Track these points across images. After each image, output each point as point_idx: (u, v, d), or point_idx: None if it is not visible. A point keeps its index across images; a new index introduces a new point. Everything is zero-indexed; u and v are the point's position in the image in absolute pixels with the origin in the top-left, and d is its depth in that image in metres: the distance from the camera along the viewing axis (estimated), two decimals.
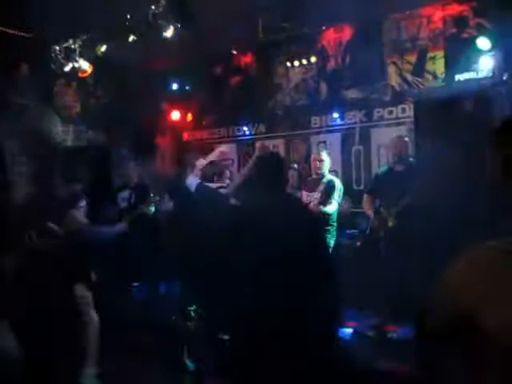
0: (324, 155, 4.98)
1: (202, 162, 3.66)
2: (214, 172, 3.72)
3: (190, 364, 3.95)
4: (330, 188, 4.70)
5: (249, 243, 2.42)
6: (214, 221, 3.16)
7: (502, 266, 1.07)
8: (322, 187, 4.70)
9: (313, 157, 5.09)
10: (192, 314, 3.87)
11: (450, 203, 3.72)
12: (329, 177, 4.87)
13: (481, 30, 5.16)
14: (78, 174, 4.90)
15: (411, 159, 4.66)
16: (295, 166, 5.83)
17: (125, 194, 5.43)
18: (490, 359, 1.07)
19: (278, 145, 6.76)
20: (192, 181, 3.62)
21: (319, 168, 4.83)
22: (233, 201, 3.73)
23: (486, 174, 1.24)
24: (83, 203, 3.82)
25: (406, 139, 4.73)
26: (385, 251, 4.45)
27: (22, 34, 4.62)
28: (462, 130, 4.00)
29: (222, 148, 4.39)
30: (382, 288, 4.31)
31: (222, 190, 3.60)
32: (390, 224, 4.35)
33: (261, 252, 2.33)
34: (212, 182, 3.66)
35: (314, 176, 4.91)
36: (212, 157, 3.86)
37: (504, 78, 4.68)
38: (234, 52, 6.69)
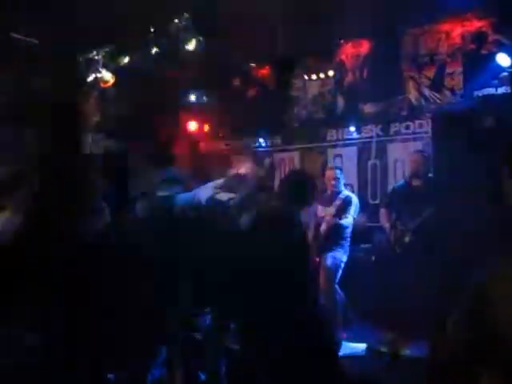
0: (338, 173, 4.93)
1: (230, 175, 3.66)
2: (238, 183, 3.69)
3: (201, 375, 3.93)
4: (346, 203, 4.68)
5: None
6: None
7: None
8: (338, 202, 4.69)
9: (327, 174, 5.03)
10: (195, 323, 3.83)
11: (469, 220, 3.69)
12: (345, 192, 4.86)
13: (500, 47, 5.15)
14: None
15: (429, 175, 4.63)
16: None
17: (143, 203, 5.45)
18: None
19: (293, 157, 6.78)
20: (202, 193, 3.57)
21: (334, 186, 4.80)
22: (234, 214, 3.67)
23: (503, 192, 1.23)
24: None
25: (425, 154, 4.71)
26: (400, 267, 4.41)
27: (44, 43, 4.72)
28: (481, 146, 3.98)
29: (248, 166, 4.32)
30: (396, 303, 4.27)
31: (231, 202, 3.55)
32: (406, 239, 4.33)
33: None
34: (235, 192, 3.64)
35: (329, 192, 4.88)
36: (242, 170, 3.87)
37: None
38: (253, 64, 6.75)
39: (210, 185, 3.64)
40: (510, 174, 1.21)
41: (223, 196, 3.55)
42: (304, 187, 3.14)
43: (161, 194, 3.84)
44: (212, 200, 3.52)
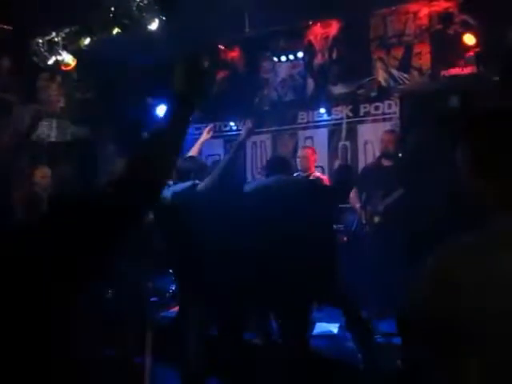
0: (309, 152, 4.95)
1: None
2: (190, 168, 3.36)
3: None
4: None
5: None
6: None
7: (481, 260, 1.07)
8: None
9: (299, 153, 5.06)
10: None
11: (437, 199, 3.74)
12: (316, 173, 4.87)
13: (466, 27, 5.20)
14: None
15: (399, 155, 4.67)
16: None
17: None
18: (475, 359, 1.06)
19: (265, 140, 6.74)
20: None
21: (305, 165, 4.81)
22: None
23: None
24: None
25: (394, 134, 4.74)
26: (370, 247, 4.47)
27: (2, 26, 4.52)
28: (447, 126, 4.02)
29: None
30: (367, 283, 4.33)
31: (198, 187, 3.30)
32: (376, 220, 4.37)
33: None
34: (188, 179, 3.32)
35: (301, 173, 4.88)
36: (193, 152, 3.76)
37: (489, 73, 4.71)
38: (221, 47, 6.65)
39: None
40: (465, 150, 1.21)
41: (182, 186, 3.31)
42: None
43: None
44: (175, 194, 3.27)
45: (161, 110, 7.04)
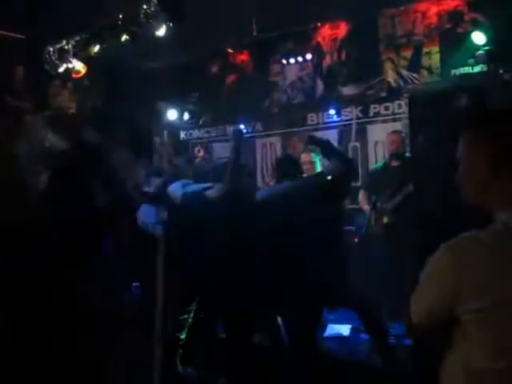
0: (313, 156, 4.87)
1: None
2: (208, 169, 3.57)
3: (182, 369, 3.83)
4: None
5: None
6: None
7: (475, 253, 1.10)
8: None
9: (302, 159, 4.97)
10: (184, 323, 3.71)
11: (446, 199, 3.71)
12: None
13: (476, 25, 5.16)
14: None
15: (407, 155, 4.65)
16: None
17: None
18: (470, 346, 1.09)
19: (274, 142, 6.76)
20: (176, 189, 3.38)
21: (310, 170, 4.74)
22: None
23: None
24: None
25: (402, 135, 4.72)
26: (380, 247, 4.45)
27: (14, 35, 4.61)
28: (456, 125, 4.00)
29: None
30: (378, 284, 4.31)
31: (209, 192, 3.38)
32: (385, 220, 4.35)
33: None
34: (205, 181, 3.49)
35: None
36: None
37: (499, 71, 4.67)
38: (230, 50, 6.69)
39: (178, 183, 3.48)
40: (479, 150, 1.22)
41: (195, 187, 3.41)
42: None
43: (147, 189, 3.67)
44: (187, 194, 3.36)
45: (172, 115, 7.11)
